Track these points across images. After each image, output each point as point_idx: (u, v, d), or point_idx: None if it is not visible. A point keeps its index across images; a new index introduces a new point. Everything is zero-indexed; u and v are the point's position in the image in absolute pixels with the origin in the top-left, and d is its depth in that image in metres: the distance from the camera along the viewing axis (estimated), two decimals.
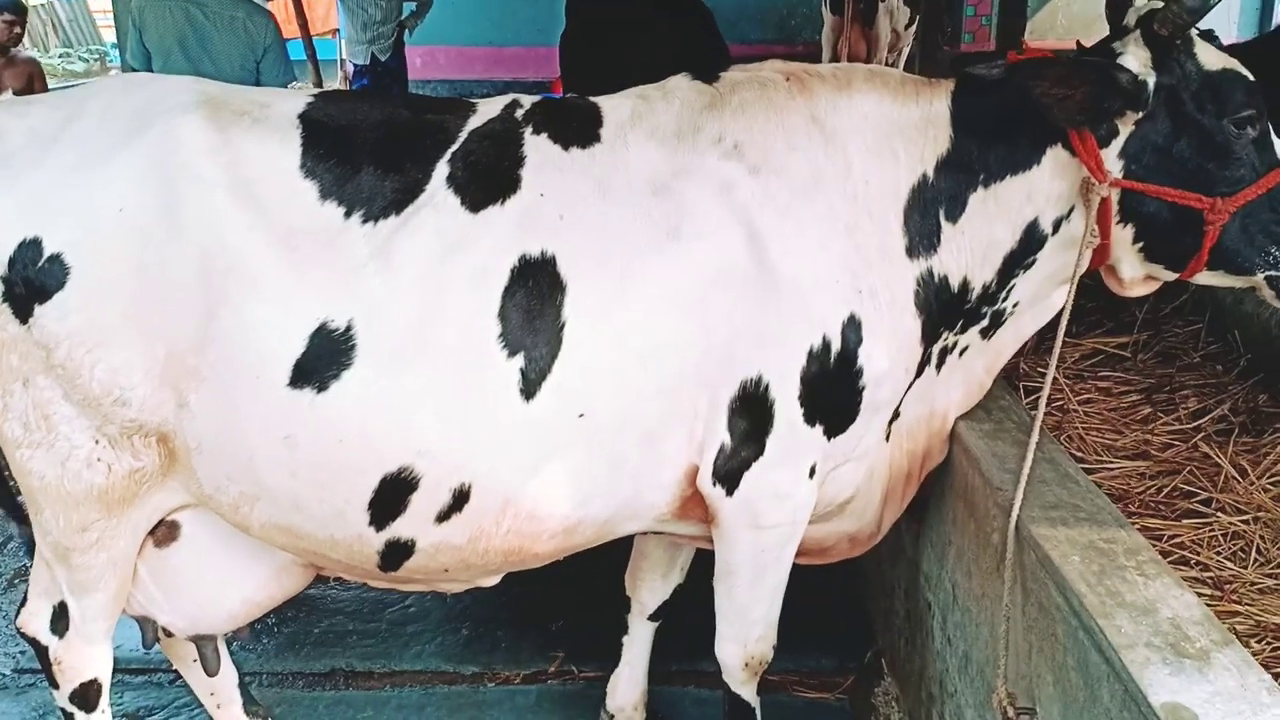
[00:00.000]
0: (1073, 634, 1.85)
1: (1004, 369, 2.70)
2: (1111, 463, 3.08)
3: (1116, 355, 3.78)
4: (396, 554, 2.27)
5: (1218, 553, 2.64)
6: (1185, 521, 2.75)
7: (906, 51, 8.99)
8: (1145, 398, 3.51)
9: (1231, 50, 2.70)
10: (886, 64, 9.11)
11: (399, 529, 2.21)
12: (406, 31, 9.12)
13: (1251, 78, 2.21)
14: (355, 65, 9.03)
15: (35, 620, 2.49)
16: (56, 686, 2.51)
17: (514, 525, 2.24)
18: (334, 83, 11.44)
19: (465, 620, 3.58)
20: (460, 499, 2.18)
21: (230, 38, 4.91)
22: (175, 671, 3.30)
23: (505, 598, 3.68)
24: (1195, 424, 3.29)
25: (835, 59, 8.55)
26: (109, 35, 16.95)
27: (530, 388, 2.11)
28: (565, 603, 3.59)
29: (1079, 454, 3.10)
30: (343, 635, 3.53)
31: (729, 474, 2.26)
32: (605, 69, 5.39)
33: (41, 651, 2.50)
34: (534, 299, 2.11)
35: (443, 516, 2.20)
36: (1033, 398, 3.39)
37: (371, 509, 2.18)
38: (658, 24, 5.58)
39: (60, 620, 2.45)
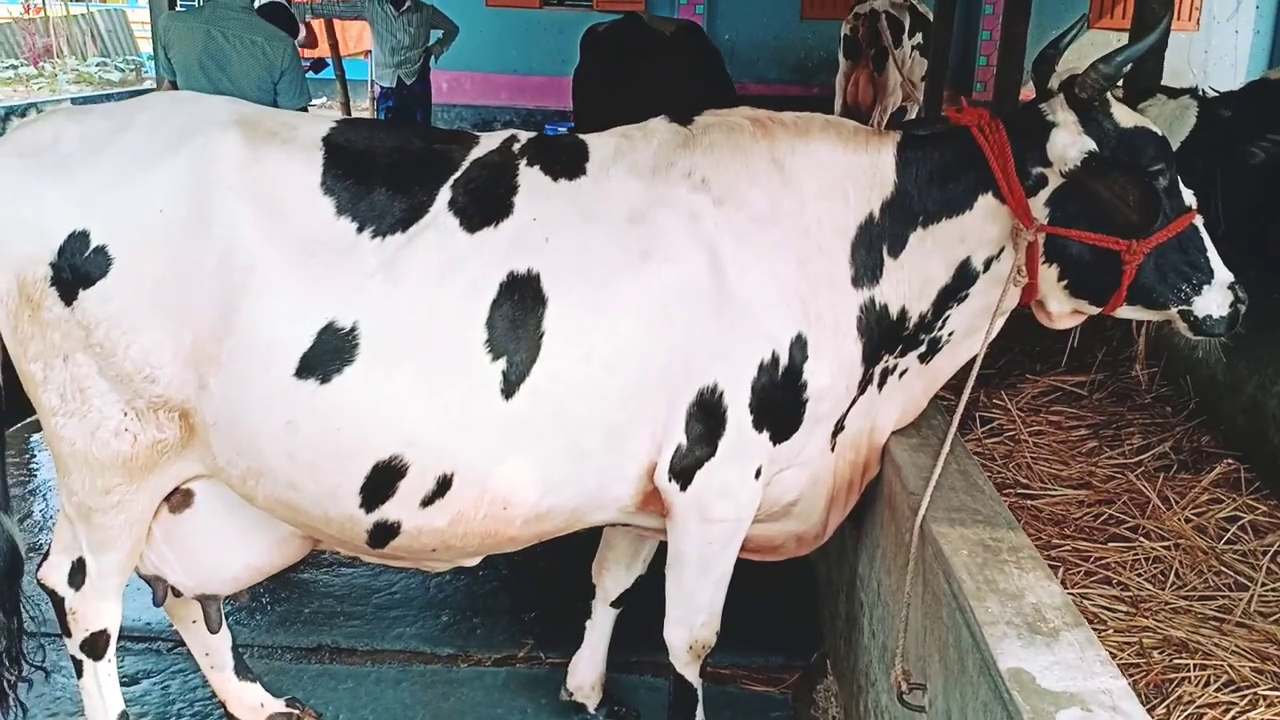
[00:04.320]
0: (953, 615, 2.11)
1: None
2: (1055, 490, 3.32)
3: (1073, 393, 4.03)
4: (384, 534, 2.51)
5: (1138, 574, 2.86)
6: (1112, 545, 2.99)
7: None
8: (1093, 433, 3.75)
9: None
10: (898, 110, 9.38)
11: (387, 511, 2.46)
12: (433, 57, 9.48)
13: (1160, 133, 2.47)
14: (382, 87, 9.39)
15: (55, 573, 2.72)
16: (69, 635, 2.74)
17: (490, 510, 2.48)
18: (364, 102, 11.84)
19: (445, 608, 3.83)
20: (443, 486, 2.43)
21: (249, 60, 5.19)
22: (174, 640, 3.56)
23: (484, 589, 3.94)
24: (1137, 459, 3.54)
25: (845, 102, 8.85)
26: (145, 46, 17.48)
27: (510, 388, 2.37)
28: (538, 596, 3.84)
29: (1025, 480, 3.35)
30: (331, 616, 3.78)
31: (683, 471, 2.51)
32: (617, 105, 5.69)
33: (59, 602, 2.73)
34: (518, 310, 2.37)
35: (427, 501, 2.45)
36: (987, 427, 3.67)
37: (363, 492, 2.43)
38: (668, 63, 5.88)
39: (78, 574, 2.68)
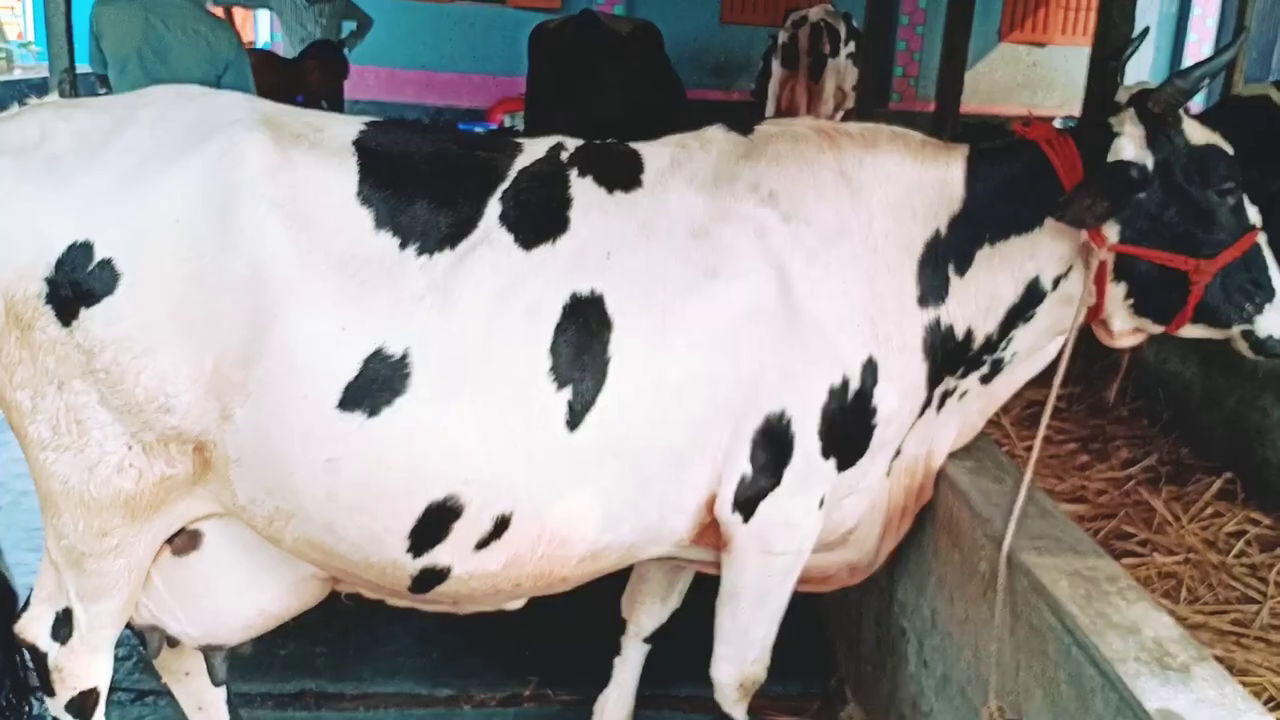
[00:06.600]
0: (1065, 651, 2.04)
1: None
2: None
3: (1053, 407, 4.08)
4: (430, 579, 2.31)
5: (1153, 590, 2.88)
6: (1123, 561, 2.99)
7: (851, 108, 9.44)
8: (1082, 447, 3.80)
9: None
10: (829, 118, 9.56)
11: (437, 555, 2.26)
12: (346, 50, 9.07)
13: (1231, 150, 2.42)
14: None
15: (35, 625, 2.41)
16: (52, 694, 2.43)
17: (548, 550, 2.31)
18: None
19: (434, 645, 3.57)
20: (501, 526, 2.24)
21: (191, 50, 4.81)
22: (136, 690, 3.27)
23: (471, 622, 3.64)
24: (1126, 472, 3.59)
25: (779, 108, 8.91)
26: (9, 33, 16.24)
27: (576, 419, 2.20)
28: (533, 627, 3.57)
29: None
30: (309, 657, 3.48)
31: (747, 502, 2.38)
32: (572, 107, 5.54)
33: (40, 659, 2.41)
34: (584, 335, 2.20)
35: (482, 543, 2.25)
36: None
37: (412, 536, 2.22)
38: (622, 65, 5.73)
39: (63, 627, 2.38)
